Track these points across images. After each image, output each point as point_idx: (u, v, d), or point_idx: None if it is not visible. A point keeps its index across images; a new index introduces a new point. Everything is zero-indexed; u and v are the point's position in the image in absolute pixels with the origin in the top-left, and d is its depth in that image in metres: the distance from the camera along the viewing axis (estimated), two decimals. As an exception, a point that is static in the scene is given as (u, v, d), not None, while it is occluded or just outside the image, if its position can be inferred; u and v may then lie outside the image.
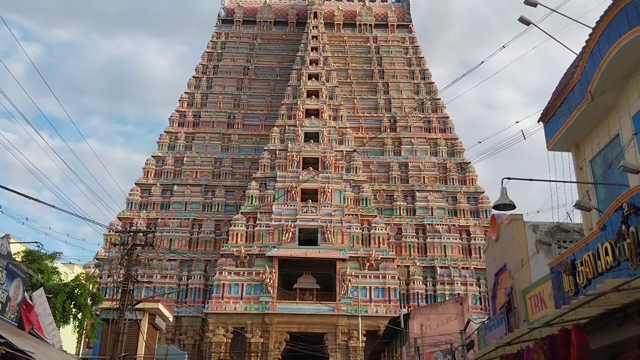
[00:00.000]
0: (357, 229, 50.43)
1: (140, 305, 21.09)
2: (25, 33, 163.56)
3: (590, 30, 9.88)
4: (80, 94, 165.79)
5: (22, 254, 16.52)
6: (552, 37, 11.56)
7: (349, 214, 51.05)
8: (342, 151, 55.31)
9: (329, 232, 49.29)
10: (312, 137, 56.44)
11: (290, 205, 51.21)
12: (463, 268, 50.50)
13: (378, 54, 67.54)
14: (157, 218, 53.51)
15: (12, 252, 13.14)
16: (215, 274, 48.05)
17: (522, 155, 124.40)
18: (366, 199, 52.91)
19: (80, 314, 18.22)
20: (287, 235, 49.30)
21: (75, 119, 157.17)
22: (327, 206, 51.09)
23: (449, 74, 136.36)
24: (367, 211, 52.00)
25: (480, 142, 13.82)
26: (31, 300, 13.61)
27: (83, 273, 21.35)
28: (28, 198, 10.65)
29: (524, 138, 11.45)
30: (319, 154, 54.55)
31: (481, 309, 45.93)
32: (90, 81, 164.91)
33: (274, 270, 47.56)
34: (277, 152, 55.14)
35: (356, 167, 54.90)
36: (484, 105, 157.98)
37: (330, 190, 51.98)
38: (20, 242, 15.26)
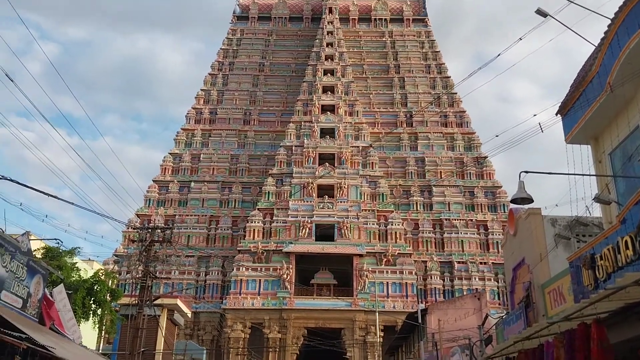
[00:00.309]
0: (373, 224, 50.37)
1: (158, 301, 21.27)
2: (41, 32, 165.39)
3: (609, 21, 9.73)
4: (95, 92, 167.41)
5: (42, 251, 16.76)
6: (569, 28, 11.41)
7: (365, 210, 50.99)
8: (358, 147, 55.25)
9: (345, 227, 49.31)
10: (328, 132, 56.45)
11: (307, 201, 51.29)
12: (481, 263, 50.26)
13: (394, 49, 67.23)
14: (175, 215, 53.92)
15: (32, 249, 13.31)
16: (233, 269, 48.34)
17: (540, 149, 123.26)
18: (383, 194, 52.81)
19: (100, 309, 18.45)
20: (303, 231, 49.41)
21: (91, 116, 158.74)
22: (344, 202, 51.10)
23: (463, 69, 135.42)
24: (384, 206, 51.91)
25: (497, 136, 13.70)
26: (51, 296, 13.79)
27: (102, 269, 21.59)
28: (48, 195, 10.79)
29: (542, 131, 11.33)
30: (335, 150, 54.54)
31: (499, 304, 45.66)
32: (105, 79, 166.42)
33: (291, 266, 47.71)
34: (293, 148, 55.22)
35: (372, 162, 54.80)
36: (501, 99, 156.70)
37: (346, 186, 51.96)
38: (40, 239, 15.46)
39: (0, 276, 11.08)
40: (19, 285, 11.82)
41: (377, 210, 51.48)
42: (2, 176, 8.79)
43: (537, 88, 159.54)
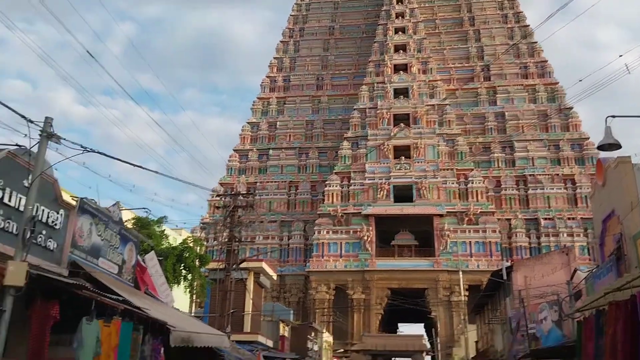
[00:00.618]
0: (453, 183, 49.51)
1: (244, 265, 22.03)
2: (119, 12, 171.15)
3: None
4: (173, 68, 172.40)
5: (133, 221, 17.67)
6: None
7: (443, 169, 50.14)
8: (433, 105, 54.03)
9: (424, 188, 48.76)
10: (401, 92, 55.48)
11: (383, 163, 51.03)
12: (569, 219, 48.40)
13: (467, 0, 64.58)
14: (256, 182, 55.24)
15: (123, 219, 14.07)
16: (314, 233, 49.17)
17: (627, 93, 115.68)
18: (461, 152, 51.60)
19: (190, 275, 19.34)
20: (381, 193, 49.34)
21: (171, 92, 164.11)
22: (421, 162, 50.42)
23: (542, 16, 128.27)
24: (463, 165, 50.77)
25: (580, 80, 12.98)
26: (144, 262, 14.59)
27: (190, 237, 22.52)
28: (134, 166, 11.33)
29: (629, 72, 10.60)
30: (409, 110, 53.63)
31: (589, 260, 44.00)
32: (182, 55, 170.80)
33: (370, 228, 47.95)
34: (367, 110, 54.79)
35: (449, 120, 53.53)
36: (584, 45, 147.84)
37: (423, 146, 51.16)
38: (130, 209, 16.29)
39: (96, 244, 11.84)
40: (113, 252, 12.59)
41: (456, 168, 50.46)
42: (92, 149, 9.29)
43: (622, 31, 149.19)
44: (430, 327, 48.83)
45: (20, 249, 8.30)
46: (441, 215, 47.45)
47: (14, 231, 8.99)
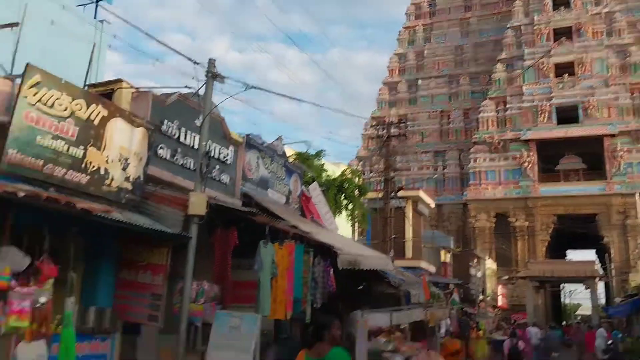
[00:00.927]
0: (626, 99, 44.97)
1: (402, 193, 22.24)
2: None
3: None
4: (318, 5, 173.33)
5: (294, 156, 18.53)
6: None
7: (614, 84, 45.53)
8: (599, 13, 48.65)
9: (591, 106, 44.88)
10: (561, 3, 50.47)
11: (543, 83, 47.58)
12: None
13: None
14: (407, 114, 54.70)
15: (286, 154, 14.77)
16: (470, 161, 47.91)
17: None
18: (635, 64, 46.29)
19: (351, 204, 20.02)
20: (542, 115, 46.32)
21: (319, 30, 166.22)
22: (587, 78, 46.23)
23: None
24: (639, 77, 45.63)
25: None
26: (308, 193, 15.32)
27: (348, 168, 23.12)
28: (291, 99, 11.75)
29: None
30: (571, 22, 48.86)
31: None
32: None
33: (531, 153, 45.61)
34: (522, 27, 50.89)
35: (619, 29, 48.01)
36: None
37: (589, 60, 46.71)
38: (291, 143, 17.03)
39: (264, 177, 12.63)
40: (280, 184, 13.35)
41: (630, 82, 45.57)
42: (253, 86, 9.74)
43: None
44: (602, 252, 46.03)
45: (198, 183, 9.05)
46: (613, 135, 43.56)
47: (192, 167, 9.85)
